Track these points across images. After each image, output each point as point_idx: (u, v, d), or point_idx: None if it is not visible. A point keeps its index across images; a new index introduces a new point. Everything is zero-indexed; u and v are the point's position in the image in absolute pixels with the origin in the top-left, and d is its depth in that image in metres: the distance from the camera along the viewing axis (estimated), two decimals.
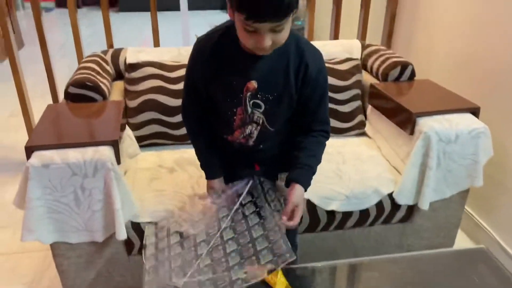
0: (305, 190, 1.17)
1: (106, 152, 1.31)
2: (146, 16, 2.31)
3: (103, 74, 1.74)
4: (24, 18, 6.08)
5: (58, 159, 1.28)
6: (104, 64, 1.81)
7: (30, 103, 2.32)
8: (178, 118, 1.72)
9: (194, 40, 2.76)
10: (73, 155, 1.29)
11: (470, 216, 1.94)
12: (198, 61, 1.15)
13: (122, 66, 1.86)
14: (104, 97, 1.65)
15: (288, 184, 1.17)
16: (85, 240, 1.38)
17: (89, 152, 1.30)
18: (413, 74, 1.86)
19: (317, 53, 1.14)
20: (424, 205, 1.56)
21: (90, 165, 1.29)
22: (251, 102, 1.12)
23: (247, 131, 1.18)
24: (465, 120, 1.55)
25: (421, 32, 2.26)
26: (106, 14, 2.18)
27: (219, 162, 1.31)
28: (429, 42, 2.20)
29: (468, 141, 1.53)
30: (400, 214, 1.62)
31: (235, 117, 1.16)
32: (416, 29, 2.30)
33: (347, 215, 1.56)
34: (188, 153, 1.73)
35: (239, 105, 1.13)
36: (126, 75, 1.78)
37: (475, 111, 1.59)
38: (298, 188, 1.15)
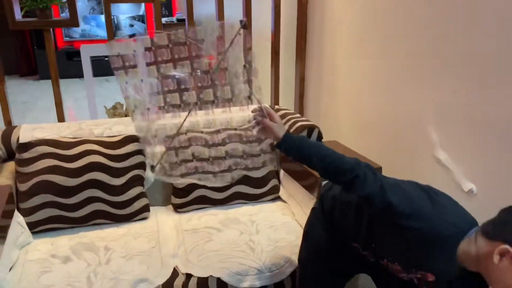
0: None
1: None
2: (70, 83, 2.19)
3: None
4: None
5: None
6: None
7: None
8: (76, 199, 1.60)
9: (102, 111, 2.64)
10: None
11: None
12: None
13: (14, 146, 1.71)
14: None
15: None
16: None
17: None
18: (320, 136, 1.89)
19: None
20: None
21: None
22: None
23: None
24: None
25: (327, 95, 2.35)
26: (2, 91, 2.04)
27: None
28: (335, 105, 2.27)
29: None
30: None
31: None
32: (323, 92, 2.38)
33: None
34: (88, 236, 1.60)
35: None
36: (17, 155, 1.64)
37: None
38: None
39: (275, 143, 1.22)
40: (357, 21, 2.00)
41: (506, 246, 0.91)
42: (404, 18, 1.68)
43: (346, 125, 2.19)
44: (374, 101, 1.94)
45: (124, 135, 1.77)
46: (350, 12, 2.06)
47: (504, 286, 0.94)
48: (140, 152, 1.73)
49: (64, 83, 4.92)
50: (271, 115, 1.22)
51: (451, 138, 1.51)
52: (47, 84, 5.95)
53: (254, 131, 1.24)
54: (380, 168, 1.62)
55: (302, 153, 1.17)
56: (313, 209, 1.39)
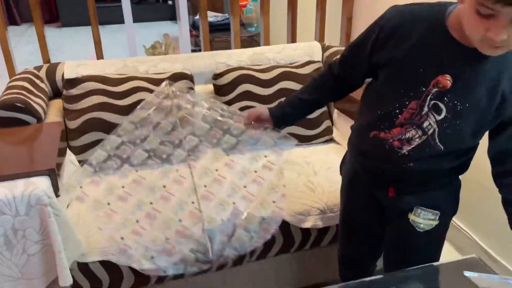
0: None
1: (41, 183, 1.11)
2: (89, 30, 2.08)
3: (37, 92, 1.53)
4: None
5: None
6: (37, 81, 1.59)
7: None
8: None
9: (141, 51, 2.55)
10: (0, 190, 1.08)
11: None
12: (388, 30, 0.98)
13: (59, 83, 1.65)
14: (39, 119, 1.44)
15: None
16: None
17: (20, 186, 1.09)
18: None
19: None
20: None
21: (22, 201, 1.08)
22: (432, 102, 0.91)
23: (408, 135, 0.95)
24: None
25: None
26: (40, 29, 1.95)
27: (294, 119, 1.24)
28: None
29: None
30: None
31: (403, 110, 0.93)
32: None
33: (323, 231, 1.43)
34: (141, 174, 1.55)
35: (415, 98, 0.92)
36: (64, 92, 1.58)
37: None
38: None
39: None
40: None
41: None
42: None
43: None
44: None
45: (172, 72, 1.68)
46: None
47: (466, 30, 0.83)
48: (190, 89, 1.65)
49: (85, 30, 4.83)
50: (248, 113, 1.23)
51: None
52: (70, 31, 5.83)
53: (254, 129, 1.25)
54: None
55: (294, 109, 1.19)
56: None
